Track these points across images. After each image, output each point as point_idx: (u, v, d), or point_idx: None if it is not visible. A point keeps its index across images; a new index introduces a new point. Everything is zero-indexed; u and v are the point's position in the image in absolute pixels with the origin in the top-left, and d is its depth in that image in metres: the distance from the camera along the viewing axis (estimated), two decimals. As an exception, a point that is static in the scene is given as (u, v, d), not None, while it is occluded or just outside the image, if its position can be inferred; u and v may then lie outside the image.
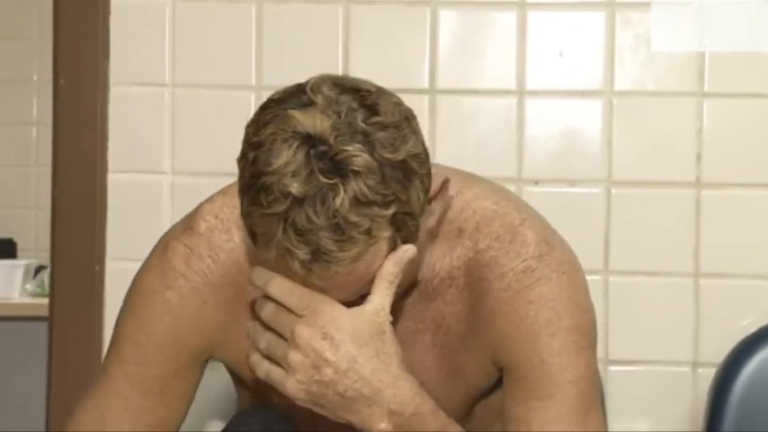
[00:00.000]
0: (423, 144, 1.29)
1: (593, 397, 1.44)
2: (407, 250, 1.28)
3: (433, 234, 1.40)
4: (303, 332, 1.29)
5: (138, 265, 2.12)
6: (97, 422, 1.47)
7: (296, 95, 1.27)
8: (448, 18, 2.10)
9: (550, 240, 1.44)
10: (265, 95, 2.13)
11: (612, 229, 2.08)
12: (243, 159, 1.27)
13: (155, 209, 2.15)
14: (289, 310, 1.30)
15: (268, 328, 1.33)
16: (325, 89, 1.26)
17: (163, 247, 1.48)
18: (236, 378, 1.55)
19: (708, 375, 2.02)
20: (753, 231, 2.05)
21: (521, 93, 2.09)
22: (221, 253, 1.44)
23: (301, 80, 2.09)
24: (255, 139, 1.26)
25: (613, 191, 2.08)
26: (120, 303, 2.13)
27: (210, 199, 1.49)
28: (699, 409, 2.02)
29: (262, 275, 1.31)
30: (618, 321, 2.06)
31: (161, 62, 2.15)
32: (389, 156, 1.24)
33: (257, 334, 1.35)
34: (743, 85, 2.06)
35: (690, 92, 2.07)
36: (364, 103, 1.26)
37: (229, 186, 1.47)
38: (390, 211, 1.24)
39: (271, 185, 1.22)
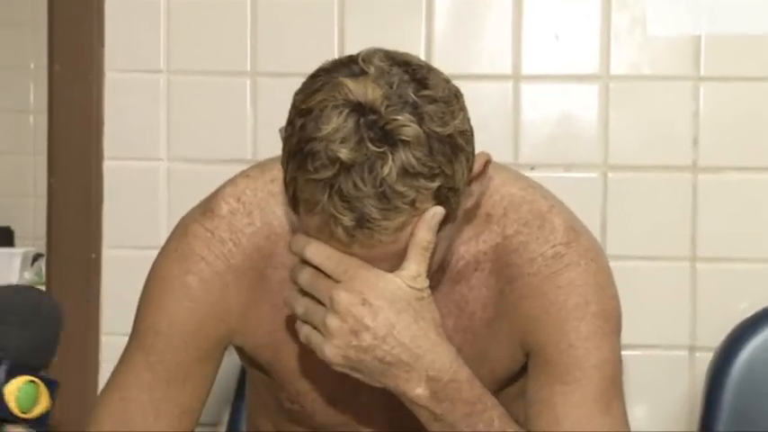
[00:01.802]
0: (469, 122, 1.30)
1: (617, 382, 1.45)
2: (435, 214, 1.27)
3: (469, 216, 1.41)
4: (342, 297, 1.29)
5: (134, 252, 2.15)
6: (121, 414, 1.45)
7: (347, 65, 1.28)
8: (443, 2, 2.10)
9: (577, 228, 1.46)
10: (261, 81, 2.15)
11: (609, 213, 2.08)
12: (289, 126, 1.27)
13: (151, 195, 2.14)
14: (326, 276, 1.30)
15: (305, 293, 1.33)
16: (376, 60, 1.27)
17: (182, 230, 1.47)
18: (255, 364, 1.54)
19: (705, 359, 2.02)
20: (750, 215, 2.05)
21: (516, 77, 2.09)
22: (243, 237, 1.44)
23: (297, 66, 2.09)
24: (304, 107, 1.26)
25: (610, 175, 2.08)
26: (116, 290, 2.15)
27: (232, 181, 1.48)
28: (696, 393, 2.03)
29: (300, 241, 1.31)
30: (615, 306, 2.06)
31: (156, 48, 2.15)
32: (438, 129, 1.24)
33: (294, 299, 1.34)
34: (739, 69, 2.05)
35: (686, 76, 2.06)
36: (415, 76, 1.26)
37: (251, 169, 1.48)
38: (435, 184, 1.24)
39: (319, 151, 1.23)
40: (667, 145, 2.07)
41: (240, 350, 1.53)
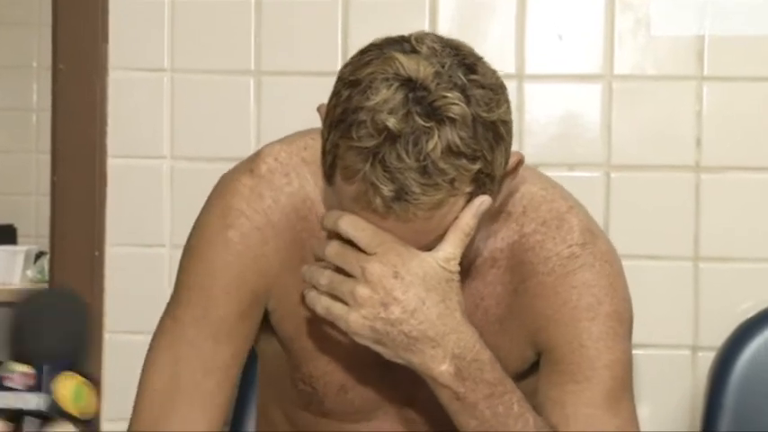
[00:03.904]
0: (511, 115, 1.31)
1: (627, 384, 1.47)
2: (484, 202, 1.29)
3: (494, 213, 1.41)
4: (375, 268, 1.30)
5: (137, 250, 2.15)
6: (172, 372, 1.45)
7: (399, 43, 1.28)
8: (447, 2, 2.10)
9: (594, 230, 1.47)
10: (265, 80, 2.16)
11: (612, 213, 2.08)
12: (334, 97, 1.28)
13: (154, 194, 2.15)
14: (357, 249, 1.30)
15: (329, 268, 1.33)
16: (428, 41, 1.28)
17: (222, 187, 1.47)
18: (277, 339, 1.53)
19: (707, 359, 2.02)
20: (752, 215, 2.05)
21: (520, 77, 2.09)
22: (282, 195, 1.44)
23: (301, 65, 2.10)
24: (352, 78, 1.27)
25: (613, 175, 2.08)
26: (119, 288, 2.15)
27: (269, 144, 1.48)
28: (698, 393, 2.03)
29: (333, 215, 1.31)
30: (617, 305, 2.06)
31: (160, 47, 2.15)
32: (484, 114, 1.25)
33: (316, 272, 1.34)
34: (743, 69, 2.06)
35: (690, 75, 2.06)
36: (464, 61, 1.28)
37: (286, 137, 1.48)
38: (476, 167, 1.25)
39: (365, 120, 1.23)
40: (670, 145, 2.07)
41: (265, 321, 1.51)
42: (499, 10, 2.10)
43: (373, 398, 1.50)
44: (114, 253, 2.17)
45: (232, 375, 1.47)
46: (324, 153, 1.29)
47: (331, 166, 1.28)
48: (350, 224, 1.29)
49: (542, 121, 2.09)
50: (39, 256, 3.84)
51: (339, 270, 1.33)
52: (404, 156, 1.23)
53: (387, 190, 1.24)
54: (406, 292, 1.30)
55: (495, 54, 2.09)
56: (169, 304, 1.49)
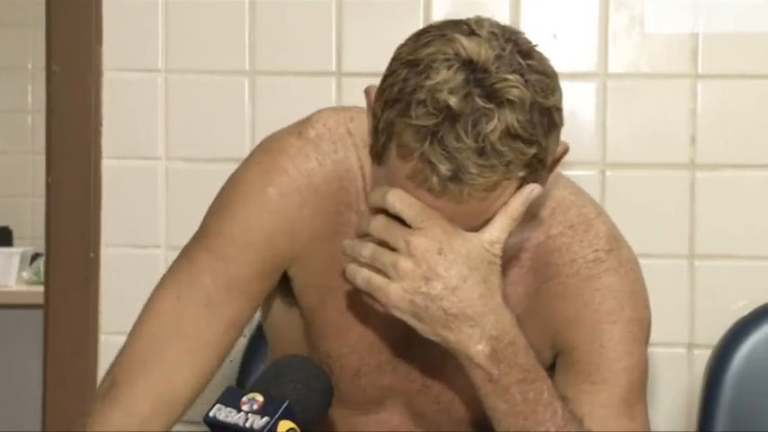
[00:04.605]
0: (562, 103, 1.31)
1: (643, 389, 1.47)
2: (534, 189, 1.30)
3: (532, 210, 1.40)
4: (420, 242, 1.30)
5: (133, 251, 2.15)
6: (176, 311, 1.44)
7: (458, 25, 1.29)
8: (441, 1, 2.10)
9: (619, 238, 1.49)
10: (259, 81, 2.16)
11: (607, 211, 2.06)
12: (390, 77, 1.28)
13: (149, 194, 2.14)
14: (403, 224, 1.30)
15: (372, 241, 1.33)
16: (487, 25, 1.29)
17: (268, 144, 1.47)
18: (299, 308, 1.51)
19: (703, 357, 2.02)
20: (747, 212, 2.05)
21: (515, 75, 2.09)
22: (328, 160, 1.44)
23: (295, 65, 2.10)
24: (411, 58, 1.27)
25: (608, 173, 2.08)
26: (115, 289, 2.15)
27: (318, 111, 1.48)
28: (695, 391, 2.03)
29: (380, 191, 1.31)
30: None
31: (154, 47, 2.15)
32: (541, 99, 1.27)
33: (358, 244, 1.34)
34: (737, 67, 2.06)
35: (684, 73, 2.06)
36: (521, 48, 1.29)
37: (335, 106, 1.50)
38: (531, 151, 1.26)
39: (424, 99, 1.24)
40: (665, 143, 2.07)
41: (288, 288, 1.50)
42: (493, 9, 2.09)
43: (385, 387, 1.49)
44: (109, 254, 2.17)
45: (233, 332, 1.46)
46: (376, 132, 1.29)
47: (384, 145, 1.28)
48: (397, 198, 1.29)
49: (537, 119, 2.09)
50: (35, 257, 3.84)
51: (383, 244, 1.32)
52: (463, 136, 1.23)
53: (444, 169, 1.24)
54: (449, 269, 1.30)
55: (490, 53, 2.12)
56: (188, 246, 1.47)
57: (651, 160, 2.07)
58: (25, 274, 3.83)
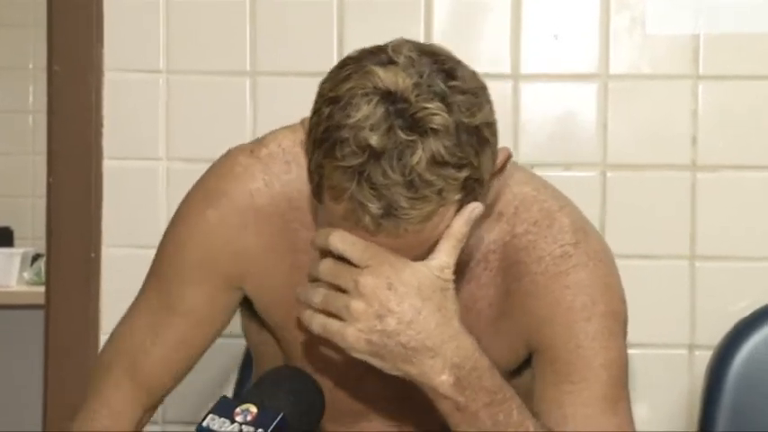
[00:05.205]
0: (494, 115, 1.30)
1: (624, 382, 1.46)
2: (476, 208, 1.28)
3: (486, 213, 1.40)
4: (368, 281, 1.28)
5: (133, 252, 2.15)
6: (126, 334, 1.50)
7: (376, 54, 1.27)
8: (442, 1, 2.10)
9: (586, 228, 1.46)
10: (260, 81, 2.16)
11: (608, 212, 2.08)
12: (315, 115, 1.27)
13: (150, 195, 2.14)
14: (350, 264, 1.30)
15: (323, 285, 1.33)
16: (405, 50, 1.27)
17: (218, 163, 1.49)
18: (267, 327, 1.53)
19: (704, 358, 2.02)
20: (748, 213, 2.05)
21: (516, 77, 2.09)
22: (277, 182, 1.44)
23: (296, 66, 2.10)
24: (332, 95, 1.25)
25: (609, 174, 2.08)
26: (115, 290, 2.15)
27: (274, 131, 1.48)
28: (695, 392, 2.03)
29: (323, 233, 1.30)
30: (614, 305, 2.06)
31: (155, 48, 2.15)
32: (466, 120, 1.24)
33: (310, 291, 1.33)
34: (738, 68, 2.06)
35: (685, 74, 2.06)
36: (443, 67, 1.26)
37: (295, 123, 1.46)
38: (463, 175, 1.25)
39: (347, 138, 1.22)
40: (666, 144, 2.07)
41: (248, 309, 1.52)
42: (495, 10, 2.09)
43: (365, 398, 1.49)
44: (110, 254, 2.17)
45: (182, 354, 1.49)
46: (310, 172, 1.28)
47: (318, 186, 1.27)
48: (339, 239, 1.28)
49: (538, 120, 2.09)
50: (35, 258, 3.84)
51: (333, 287, 1.32)
52: (389, 172, 1.22)
53: (375, 208, 1.23)
54: (401, 303, 1.29)
55: (491, 54, 2.12)
56: (146, 277, 1.53)
57: (652, 161, 2.07)
58: (26, 275, 3.83)
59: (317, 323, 1.32)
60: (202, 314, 1.48)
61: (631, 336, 2.06)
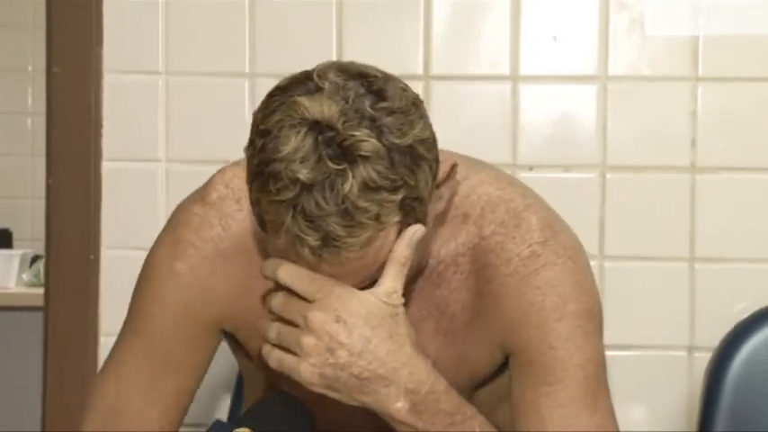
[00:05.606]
0: (430, 129, 1.29)
1: (601, 380, 1.44)
2: (417, 231, 1.28)
3: (441, 220, 1.40)
4: (316, 316, 1.29)
5: (133, 253, 2.13)
6: (115, 400, 1.48)
7: (302, 82, 1.26)
8: (442, 3, 2.10)
9: (554, 225, 1.44)
10: (260, 83, 2.15)
11: (607, 214, 2.08)
12: (250, 147, 1.27)
13: (149, 197, 2.14)
14: (300, 297, 1.30)
15: (278, 319, 1.33)
16: (331, 75, 1.26)
17: (174, 219, 1.49)
18: (247, 354, 1.54)
19: (704, 360, 2.02)
20: (748, 215, 2.05)
21: (515, 78, 2.09)
22: (233, 222, 1.44)
23: (296, 67, 2.09)
24: (263, 127, 1.26)
25: (608, 176, 2.08)
26: (115, 291, 2.15)
27: (221, 170, 1.48)
28: (695, 394, 2.03)
29: (271, 264, 1.31)
30: (613, 306, 2.05)
31: (155, 50, 2.15)
32: (397, 141, 1.23)
33: (267, 325, 1.34)
34: (737, 69, 2.06)
35: (684, 76, 2.06)
36: (371, 88, 1.25)
37: (241, 159, 1.47)
38: (399, 197, 1.24)
39: (279, 172, 1.22)
40: (665, 145, 2.07)
41: (234, 340, 1.53)
42: (494, 11, 2.09)
43: (347, 422, 1.49)
44: (109, 256, 2.17)
45: (179, 404, 1.49)
46: (252, 204, 1.28)
47: (260, 217, 1.28)
48: (287, 273, 1.29)
49: (537, 122, 2.09)
50: (35, 259, 3.84)
51: (286, 321, 1.32)
52: (322, 203, 1.21)
53: (312, 240, 1.23)
54: (351, 335, 1.29)
55: (490, 55, 2.12)
56: (121, 331, 1.51)
57: (651, 163, 2.07)
58: (25, 276, 3.83)
59: (274, 358, 1.33)
60: (193, 363, 1.49)
61: (630, 337, 2.08)
